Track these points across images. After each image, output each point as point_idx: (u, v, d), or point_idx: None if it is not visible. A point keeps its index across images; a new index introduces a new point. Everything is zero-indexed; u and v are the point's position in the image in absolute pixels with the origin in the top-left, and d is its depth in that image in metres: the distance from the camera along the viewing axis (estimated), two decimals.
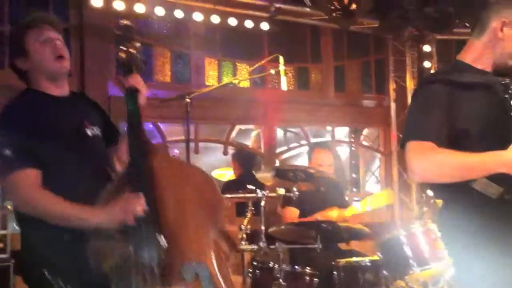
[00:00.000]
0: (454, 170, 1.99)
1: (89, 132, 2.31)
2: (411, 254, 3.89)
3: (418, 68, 7.25)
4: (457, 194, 2.09)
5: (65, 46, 2.35)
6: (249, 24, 6.27)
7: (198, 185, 2.25)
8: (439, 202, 5.37)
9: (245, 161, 6.03)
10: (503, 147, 1.95)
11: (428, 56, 7.18)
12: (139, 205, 1.99)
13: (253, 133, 7.08)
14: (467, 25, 6.71)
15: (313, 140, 7.13)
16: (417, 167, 2.01)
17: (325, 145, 4.99)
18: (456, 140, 2.04)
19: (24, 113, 2.20)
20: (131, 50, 2.20)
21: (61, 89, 2.34)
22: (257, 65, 4.85)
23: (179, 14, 5.91)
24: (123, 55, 2.19)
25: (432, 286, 4.08)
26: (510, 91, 2.03)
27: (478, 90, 2.10)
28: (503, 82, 2.08)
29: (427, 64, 7.15)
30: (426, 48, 7.15)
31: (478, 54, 2.24)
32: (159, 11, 5.82)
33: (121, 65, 2.23)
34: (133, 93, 2.19)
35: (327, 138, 7.31)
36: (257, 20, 6.31)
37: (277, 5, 6.19)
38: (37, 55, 2.25)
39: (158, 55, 6.28)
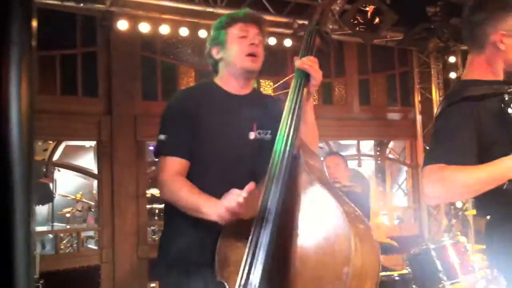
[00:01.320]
0: (466, 187, 1.96)
1: (252, 135, 2.26)
2: (440, 267, 3.85)
3: (443, 79, 7.20)
4: (498, 205, 2.08)
5: (263, 47, 2.35)
6: (272, 41, 6.33)
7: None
8: (469, 213, 5.30)
9: None
10: None
11: (454, 66, 7.14)
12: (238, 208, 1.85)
13: None
14: None
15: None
16: (426, 192, 1.99)
17: (336, 153, 5.01)
18: (486, 152, 2.00)
19: (191, 103, 2.24)
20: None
21: (243, 88, 2.32)
22: (281, 81, 4.89)
23: (203, 34, 6.00)
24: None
25: None
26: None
27: (493, 101, 2.10)
28: (509, 90, 2.07)
29: (452, 74, 7.10)
30: (452, 59, 7.11)
31: (483, 69, 2.23)
32: (183, 31, 5.93)
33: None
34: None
35: (353, 151, 7.28)
36: (280, 37, 6.37)
37: (300, 22, 6.23)
38: (232, 47, 2.27)
39: (183, 75, 6.37)
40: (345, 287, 1.66)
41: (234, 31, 2.28)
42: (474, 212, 4.93)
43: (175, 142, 2.17)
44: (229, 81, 2.30)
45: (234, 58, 2.26)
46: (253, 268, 1.81)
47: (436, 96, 7.24)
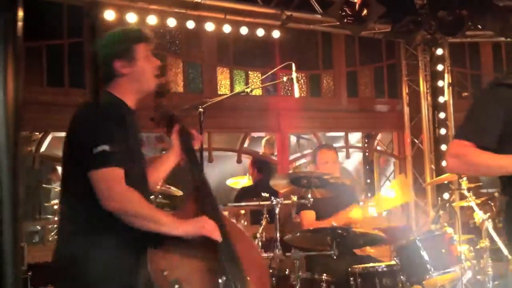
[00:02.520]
0: (484, 170, 2.37)
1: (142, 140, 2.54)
2: (428, 258, 3.88)
3: (431, 71, 7.23)
4: None
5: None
6: (260, 32, 6.31)
7: (247, 244, 2.59)
8: (456, 205, 5.35)
9: (264, 167, 6.08)
10: None
11: (441, 59, 7.16)
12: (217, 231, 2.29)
13: (264, 140, 7.11)
14: (480, 27, 6.72)
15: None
16: (448, 163, 2.36)
17: (328, 145, 5.02)
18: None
19: (119, 114, 2.34)
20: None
21: (135, 103, 2.49)
22: (269, 73, 4.88)
23: (191, 24, 5.96)
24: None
25: None
26: None
27: None
28: None
29: (440, 67, 7.13)
30: (439, 51, 7.13)
31: None
32: (171, 22, 5.88)
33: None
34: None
35: (340, 144, 7.30)
36: (268, 28, 6.35)
37: (288, 13, 6.22)
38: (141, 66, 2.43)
39: (171, 66, 6.34)
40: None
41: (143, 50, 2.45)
42: (461, 203, 4.97)
43: (119, 152, 2.20)
44: (130, 96, 2.44)
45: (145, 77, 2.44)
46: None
47: (423, 88, 7.27)
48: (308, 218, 4.39)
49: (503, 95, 2.29)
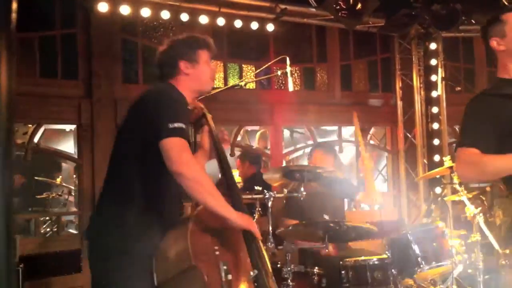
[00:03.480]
0: (492, 170, 2.35)
1: None
2: (419, 252, 3.90)
3: (424, 65, 7.24)
4: None
5: None
6: (254, 25, 6.30)
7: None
8: (448, 199, 5.35)
9: (257, 160, 6.08)
10: None
11: (435, 53, 7.17)
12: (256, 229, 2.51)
13: (258, 134, 7.10)
14: (473, 22, 6.73)
15: (319, 140, 7.14)
16: (459, 171, 2.48)
17: (327, 147, 4.95)
18: (504, 141, 2.35)
19: (187, 104, 2.60)
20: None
21: (191, 100, 2.73)
22: (263, 67, 4.87)
23: (184, 17, 5.94)
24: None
25: (441, 284, 4.09)
26: None
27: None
28: None
29: (433, 61, 7.14)
30: (432, 45, 7.14)
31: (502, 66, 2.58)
32: (165, 14, 5.86)
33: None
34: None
35: (334, 137, 7.31)
36: (262, 21, 6.33)
37: (283, 6, 6.20)
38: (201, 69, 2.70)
39: None
40: None
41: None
42: (453, 197, 4.99)
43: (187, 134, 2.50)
44: None
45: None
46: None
47: (416, 82, 7.29)
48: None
49: (492, 103, 2.41)
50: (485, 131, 2.36)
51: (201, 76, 2.67)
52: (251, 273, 2.35)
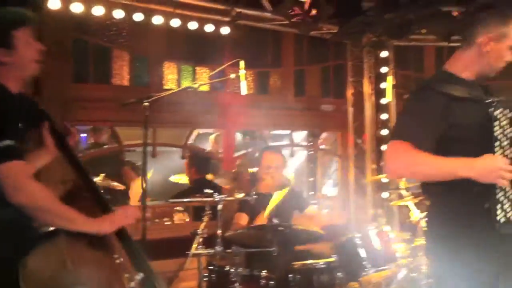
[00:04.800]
0: (424, 170, 2.23)
1: None
2: (365, 255, 3.99)
3: (375, 73, 7.40)
4: (444, 194, 2.31)
5: None
6: (209, 28, 6.28)
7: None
8: (394, 204, 5.49)
9: (203, 166, 6.05)
10: (479, 155, 2.19)
11: (386, 61, 7.34)
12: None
13: (211, 137, 7.08)
14: (424, 32, 6.93)
15: (271, 144, 7.20)
16: (389, 164, 2.27)
17: (275, 148, 5.06)
18: (447, 145, 2.25)
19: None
20: None
21: (20, 88, 2.40)
22: (217, 69, 4.88)
23: (138, 17, 5.88)
24: None
25: (384, 287, 4.19)
26: (491, 109, 2.24)
27: (468, 103, 2.31)
28: (486, 101, 2.27)
29: (384, 69, 7.30)
30: (384, 53, 7.30)
31: (464, 65, 2.44)
32: (118, 13, 5.77)
33: None
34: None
35: (286, 142, 7.38)
36: (218, 24, 6.33)
37: (238, 10, 6.22)
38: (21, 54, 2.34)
39: (117, 58, 6.22)
40: None
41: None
42: (399, 202, 5.12)
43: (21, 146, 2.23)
44: (14, 83, 2.38)
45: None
46: None
47: (367, 89, 7.43)
48: (239, 220, 4.44)
49: (436, 101, 2.29)
50: (428, 129, 2.25)
51: (23, 62, 2.36)
52: (137, 277, 2.17)
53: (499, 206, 2.20)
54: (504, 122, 2.26)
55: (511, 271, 2.30)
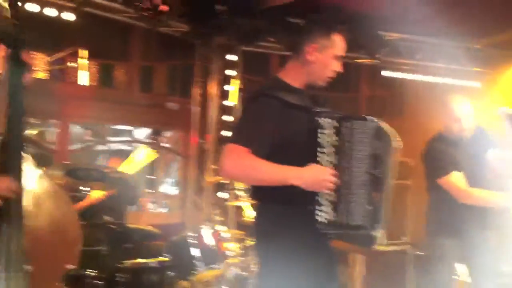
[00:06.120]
0: (258, 175, 2.35)
1: None
2: (196, 254, 4.04)
3: (223, 75, 7.51)
4: (271, 195, 2.40)
5: None
6: (52, 12, 5.91)
7: None
8: (230, 204, 5.61)
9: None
10: (304, 164, 2.32)
11: (234, 64, 7.48)
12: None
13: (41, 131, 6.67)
14: (273, 40, 7.22)
15: (112, 138, 7.00)
16: (225, 166, 2.34)
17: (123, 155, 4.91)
18: (278, 150, 2.35)
19: None
20: None
21: None
22: (56, 56, 4.62)
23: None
24: None
25: (215, 286, 4.27)
26: (317, 118, 2.35)
27: (298, 110, 2.40)
28: (314, 110, 2.39)
29: (232, 72, 7.44)
30: (232, 57, 7.44)
31: (294, 73, 2.57)
32: None
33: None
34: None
35: (127, 137, 7.23)
36: (61, 9, 5.98)
37: None
38: None
39: None
40: None
41: None
42: (235, 203, 5.26)
43: None
44: None
45: None
46: None
47: (214, 91, 7.52)
48: None
49: (270, 107, 2.38)
50: (263, 134, 2.35)
51: None
52: None
53: (320, 207, 2.37)
54: (329, 131, 2.43)
55: (332, 266, 2.49)
